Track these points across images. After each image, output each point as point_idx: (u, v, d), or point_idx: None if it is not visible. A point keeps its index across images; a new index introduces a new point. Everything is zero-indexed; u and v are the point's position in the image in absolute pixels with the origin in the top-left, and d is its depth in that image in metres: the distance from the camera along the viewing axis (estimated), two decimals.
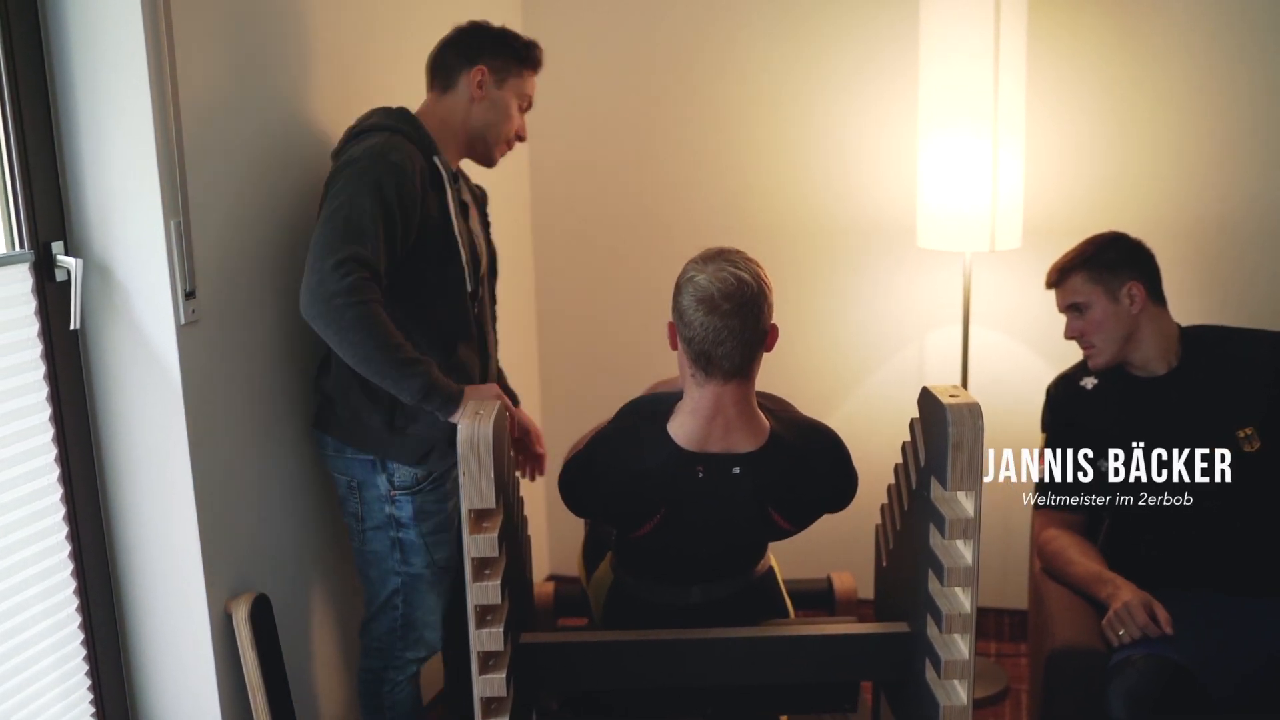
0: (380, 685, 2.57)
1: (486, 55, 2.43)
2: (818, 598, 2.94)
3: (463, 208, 2.44)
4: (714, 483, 2.21)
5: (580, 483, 2.30)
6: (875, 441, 3.51)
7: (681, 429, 2.20)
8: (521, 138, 2.55)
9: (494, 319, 2.70)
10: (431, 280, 2.36)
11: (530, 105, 2.55)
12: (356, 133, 2.34)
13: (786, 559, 2.68)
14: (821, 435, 2.29)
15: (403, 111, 2.39)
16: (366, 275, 2.14)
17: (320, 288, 2.13)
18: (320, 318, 2.14)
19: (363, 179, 2.20)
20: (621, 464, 2.23)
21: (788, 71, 3.62)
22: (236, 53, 2.32)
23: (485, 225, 2.65)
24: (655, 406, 2.30)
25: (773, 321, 2.16)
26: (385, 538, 2.45)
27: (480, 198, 2.66)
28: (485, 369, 2.55)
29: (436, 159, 2.35)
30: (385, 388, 2.21)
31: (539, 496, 4.03)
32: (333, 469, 2.47)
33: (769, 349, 2.18)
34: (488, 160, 2.54)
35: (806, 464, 2.25)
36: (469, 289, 2.41)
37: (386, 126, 2.31)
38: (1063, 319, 2.81)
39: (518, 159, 3.82)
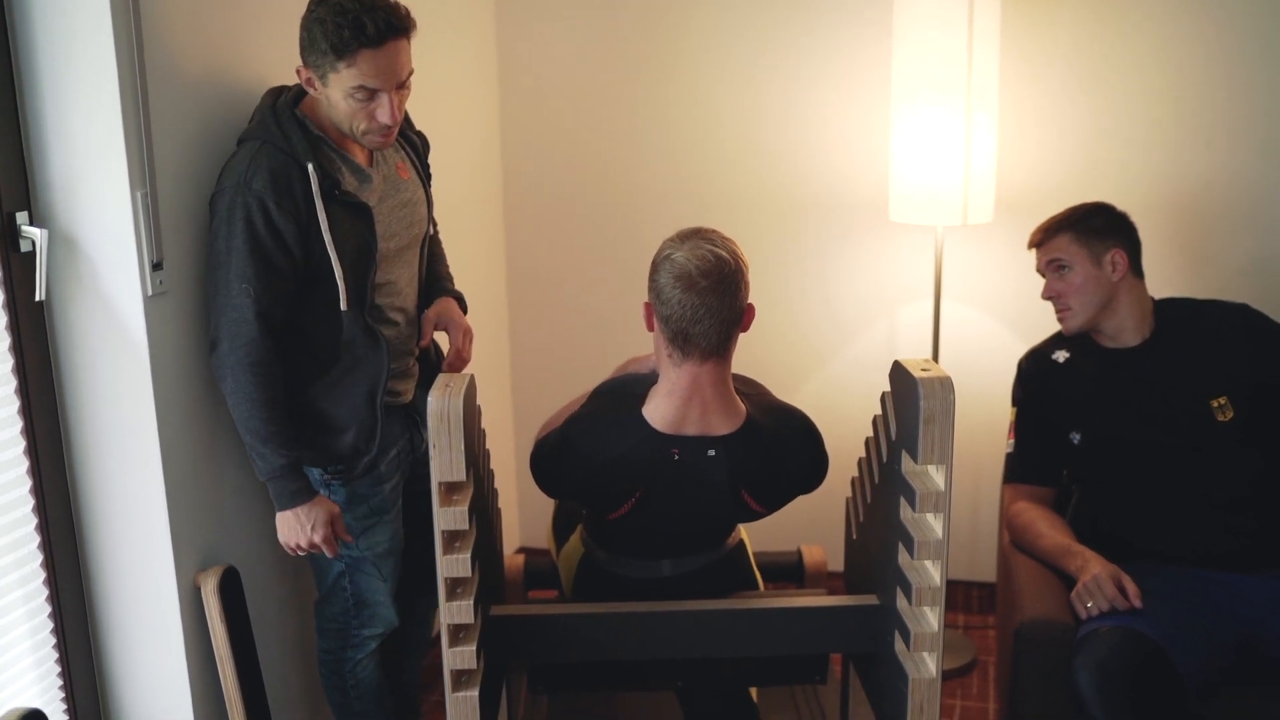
0: (341, 665, 2.57)
1: (305, 56, 2.19)
2: (787, 570, 2.95)
3: (357, 209, 2.28)
4: (690, 465, 2.21)
5: (554, 467, 2.30)
6: (846, 415, 3.53)
7: (657, 411, 2.20)
8: (386, 123, 2.22)
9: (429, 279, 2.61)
10: (305, 298, 2.28)
11: (376, 89, 2.18)
12: (241, 137, 2.28)
13: (757, 532, 2.69)
14: (795, 420, 2.29)
15: (278, 112, 2.25)
16: (252, 344, 2.19)
17: (220, 353, 2.22)
18: (215, 372, 2.25)
19: (232, 219, 2.16)
20: (596, 449, 2.23)
21: (759, 43, 3.61)
22: (205, 21, 2.29)
23: (426, 179, 2.54)
24: (629, 389, 2.29)
25: (749, 301, 2.16)
26: None
27: (422, 147, 2.56)
28: (378, 367, 2.37)
29: (311, 164, 2.20)
30: (249, 453, 2.29)
31: (509, 469, 4.03)
32: None
33: (745, 329, 2.18)
34: (370, 146, 2.31)
35: (780, 449, 2.26)
36: (344, 305, 2.26)
37: (256, 136, 2.23)
38: (1034, 294, 2.81)
39: (488, 131, 3.80)
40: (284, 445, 2.24)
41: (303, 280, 2.26)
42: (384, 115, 2.22)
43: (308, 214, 2.21)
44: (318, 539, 2.30)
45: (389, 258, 2.38)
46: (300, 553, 2.33)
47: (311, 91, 2.24)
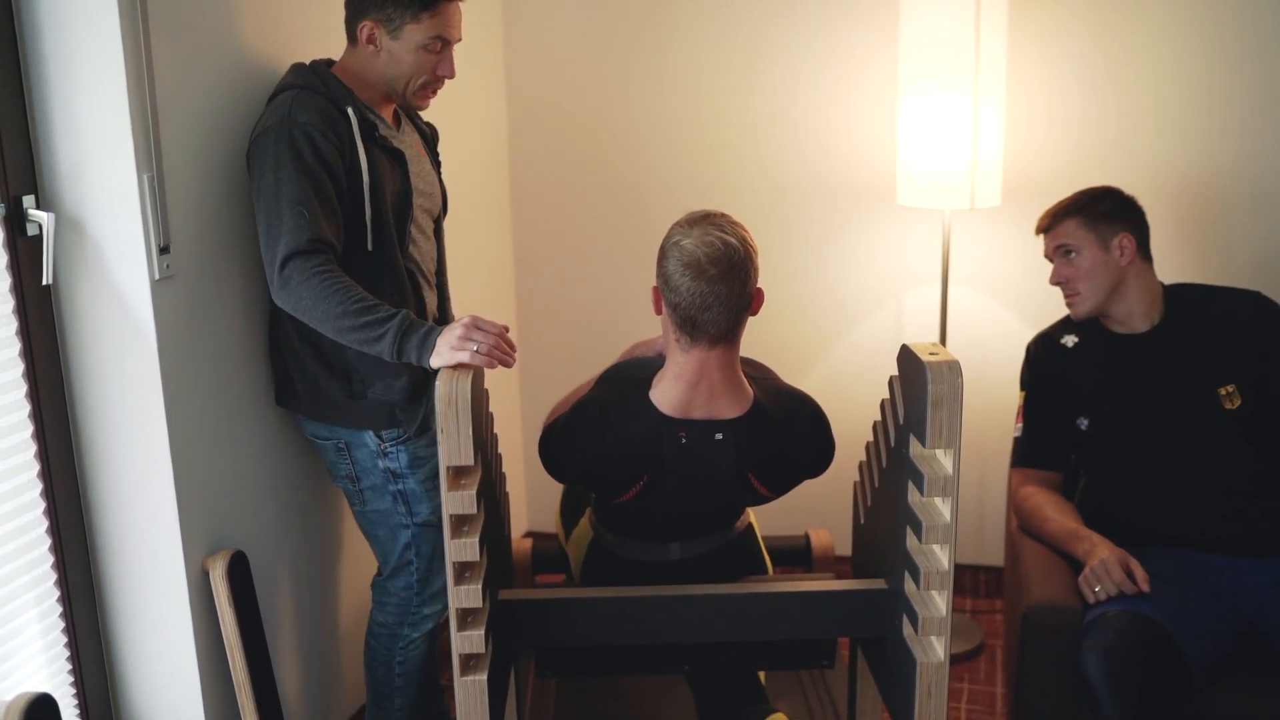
0: (394, 642, 2.57)
1: (374, 8, 2.26)
2: (795, 555, 2.95)
3: (394, 154, 2.36)
4: (697, 448, 2.21)
5: (562, 451, 2.29)
6: (853, 399, 3.53)
7: (665, 396, 2.20)
8: (444, 77, 2.37)
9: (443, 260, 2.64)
10: (351, 244, 2.29)
11: (449, 41, 2.33)
12: (272, 95, 2.33)
13: (765, 516, 2.69)
14: (802, 404, 2.29)
15: (315, 66, 2.33)
16: (311, 255, 2.15)
17: (276, 284, 2.18)
18: (289, 306, 2.19)
19: (279, 152, 2.18)
20: (604, 433, 2.23)
21: (766, 28, 3.59)
22: (211, 3, 2.28)
23: (436, 165, 2.60)
24: (636, 373, 2.29)
25: (758, 285, 2.15)
26: (386, 493, 2.45)
27: (431, 136, 2.62)
28: (421, 306, 2.46)
29: (350, 109, 2.27)
30: (369, 352, 2.19)
31: (517, 454, 4.03)
32: (313, 436, 2.47)
33: (754, 313, 2.17)
34: (412, 107, 2.43)
35: (788, 433, 2.25)
36: (370, 245, 2.30)
37: (294, 85, 2.28)
38: (1042, 278, 2.80)
39: (495, 113, 3.80)
40: (384, 308, 2.14)
41: (348, 221, 2.28)
42: (448, 69, 2.35)
43: (351, 153, 2.25)
44: (475, 329, 2.10)
45: (419, 214, 2.44)
46: (492, 356, 2.09)
47: (370, 49, 2.30)
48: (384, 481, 2.43)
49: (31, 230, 2.08)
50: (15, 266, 2.07)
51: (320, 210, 2.18)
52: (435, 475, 2.43)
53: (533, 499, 4.14)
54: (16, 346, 2.09)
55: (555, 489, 2.89)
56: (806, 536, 2.96)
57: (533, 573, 2.92)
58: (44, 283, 2.10)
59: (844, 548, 3.08)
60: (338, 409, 2.38)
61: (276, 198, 2.17)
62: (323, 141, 2.20)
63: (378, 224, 2.29)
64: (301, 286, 2.14)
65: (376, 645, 2.60)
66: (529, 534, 4.15)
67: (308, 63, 2.35)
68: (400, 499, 2.45)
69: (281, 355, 2.42)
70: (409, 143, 2.46)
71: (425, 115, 2.62)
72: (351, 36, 2.33)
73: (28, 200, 2.08)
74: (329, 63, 2.38)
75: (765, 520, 2.73)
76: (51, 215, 2.08)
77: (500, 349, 2.10)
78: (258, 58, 2.42)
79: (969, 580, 3.81)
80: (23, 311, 2.09)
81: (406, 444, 2.40)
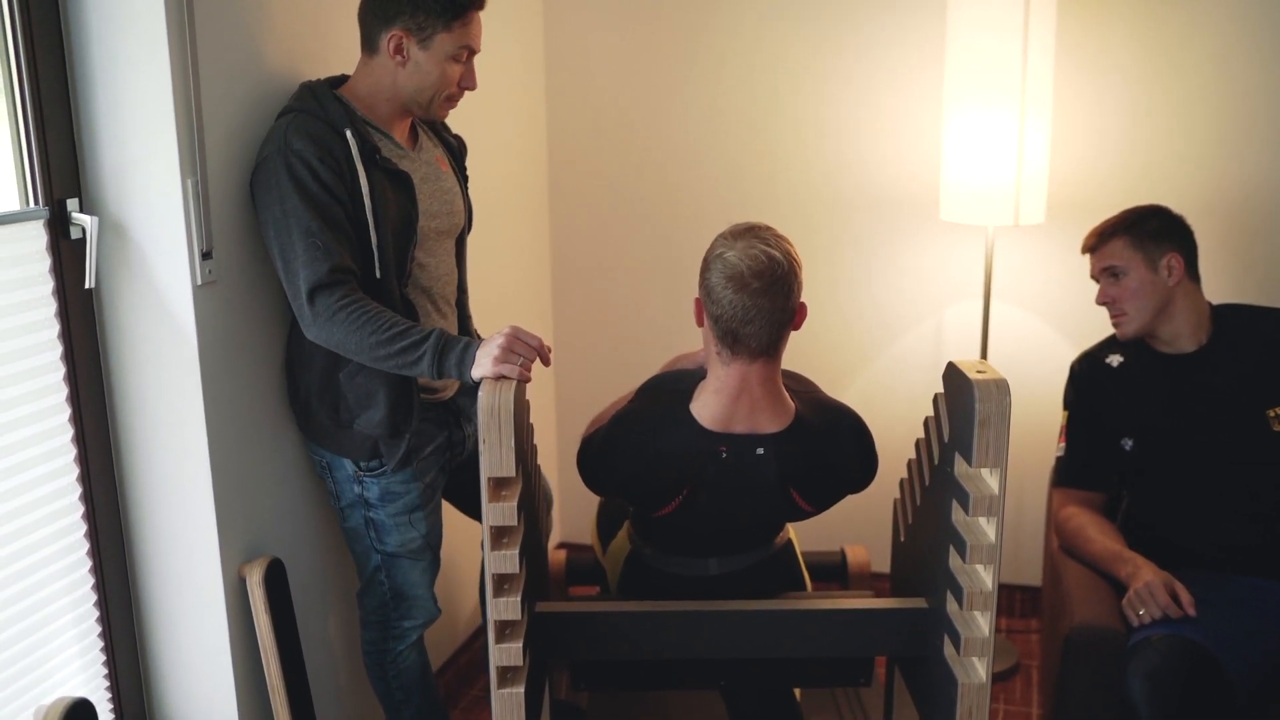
0: (383, 656, 2.56)
1: (403, 16, 2.20)
2: (831, 571, 2.93)
3: (397, 177, 2.29)
4: (738, 464, 2.19)
5: (601, 464, 2.28)
6: (892, 414, 3.51)
7: (705, 409, 2.18)
8: (466, 88, 2.33)
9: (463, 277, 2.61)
10: None
11: (473, 52, 2.29)
12: (278, 115, 2.29)
13: (800, 531, 2.67)
14: (846, 418, 2.26)
15: (314, 87, 2.27)
16: (334, 288, 2.15)
17: (306, 319, 2.18)
18: (321, 340, 2.19)
19: (280, 183, 2.15)
20: (643, 446, 2.21)
21: (814, 42, 3.58)
22: (256, 8, 2.28)
23: (463, 180, 2.56)
24: (677, 385, 2.27)
25: (801, 300, 2.14)
26: (359, 516, 2.44)
27: (458, 150, 2.58)
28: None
29: (349, 131, 2.21)
30: (409, 375, 2.20)
31: (550, 465, 4.02)
32: (309, 450, 2.48)
33: (797, 328, 2.15)
34: (431, 117, 2.38)
35: (830, 447, 2.23)
36: (378, 273, 2.26)
37: (294, 108, 2.24)
38: (1086, 296, 2.78)
39: (534, 122, 3.79)
40: (417, 330, 2.15)
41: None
42: (471, 80, 2.32)
43: (351, 177, 2.21)
44: (517, 340, 2.12)
45: (429, 237, 2.38)
46: (529, 362, 2.12)
47: (396, 60, 2.24)
48: (357, 504, 2.43)
49: (75, 233, 2.08)
50: (58, 269, 2.07)
51: (333, 237, 2.15)
52: (407, 510, 2.43)
53: (566, 510, 4.13)
54: (58, 350, 2.09)
55: (589, 501, 2.88)
56: (842, 552, 2.94)
57: (566, 585, 2.91)
58: (86, 286, 2.10)
59: (879, 564, 3.06)
60: (325, 434, 2.38)
61: (287, 230, 2.15)
62: (321, 167, 2.16)
63: (383, 251, 2.26)
64: (330, 322, 2.14)
65: (370, 662, 2.60)
66: (561, 545, 4.14)
67: (311, 82, 2.30)
68: (370, 525, 2.44)
69: (289, 375, 2.43)
70: (424, 160, 2.41)
71: (458, 127, 2.60)
72: (373, 47, 2.27)
73: (71, 203, 2.08)
74: (343, 78, 2.35)
75: (800, 535, 2.71)
76: (95, 219, 2.08)
77: (539, 360, 2.14)
78: (302, 64, 2.42)
79: (1005, 599, 3.78)
80: (65, 315, 2.09)
81: (380, 477, 2.38)
